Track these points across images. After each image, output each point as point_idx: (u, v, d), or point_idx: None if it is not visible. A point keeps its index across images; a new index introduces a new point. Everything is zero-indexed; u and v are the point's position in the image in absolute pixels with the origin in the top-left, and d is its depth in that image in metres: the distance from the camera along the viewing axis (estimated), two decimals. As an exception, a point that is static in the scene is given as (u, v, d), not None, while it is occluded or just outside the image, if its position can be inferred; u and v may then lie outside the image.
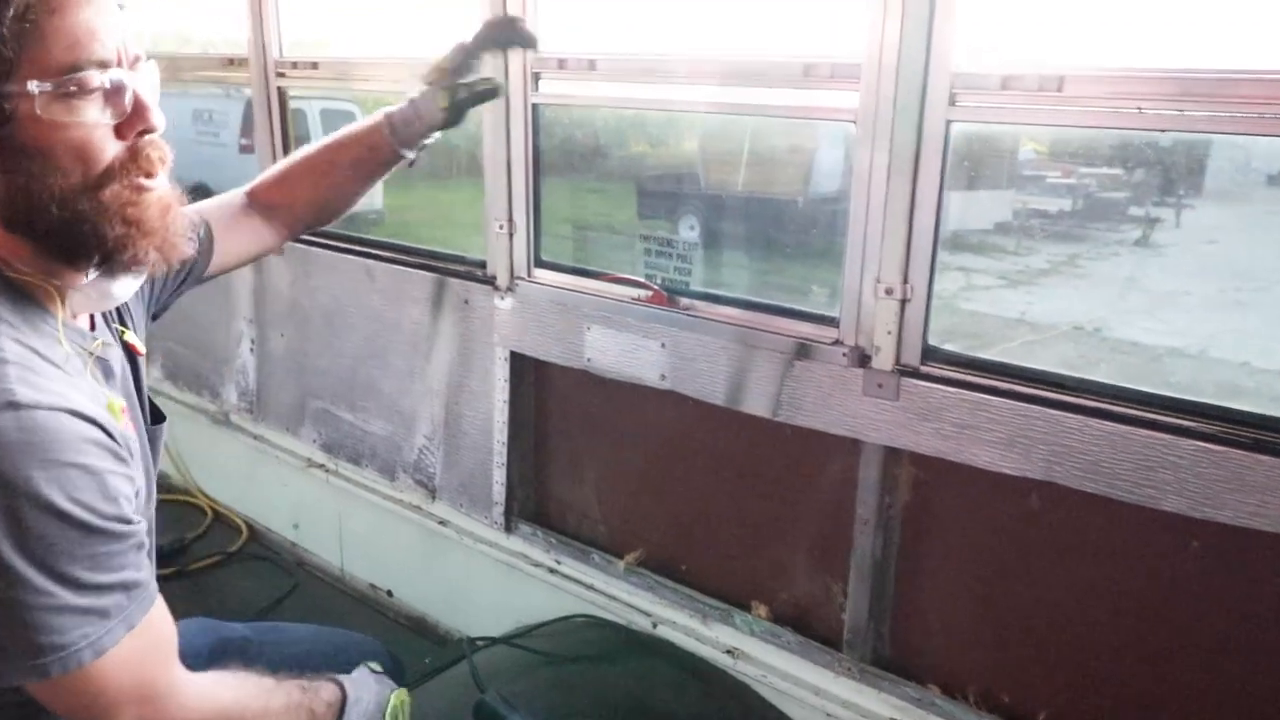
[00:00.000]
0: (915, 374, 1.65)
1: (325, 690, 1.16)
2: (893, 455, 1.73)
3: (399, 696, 1.29)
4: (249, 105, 2.79)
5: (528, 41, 1.51)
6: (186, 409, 3.20)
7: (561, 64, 2.02)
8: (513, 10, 1.99)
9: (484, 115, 2.13)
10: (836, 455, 1.81)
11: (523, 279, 2.17)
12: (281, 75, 2.62)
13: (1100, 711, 1.61)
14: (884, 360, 1.67)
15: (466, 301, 2.29)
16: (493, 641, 2.04)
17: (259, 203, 1.45)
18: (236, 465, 3.06)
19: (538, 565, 2.27)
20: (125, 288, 0.99)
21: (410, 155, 1.44)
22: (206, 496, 3.19)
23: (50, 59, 0.78)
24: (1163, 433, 1.43)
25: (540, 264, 2.18)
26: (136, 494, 0.92)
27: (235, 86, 4.35)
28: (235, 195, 1.45)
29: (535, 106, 2.07)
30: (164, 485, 3.31)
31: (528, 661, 2.02)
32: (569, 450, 2.29)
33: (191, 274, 1.33)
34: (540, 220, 2.17)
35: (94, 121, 0.82)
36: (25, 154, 0.80)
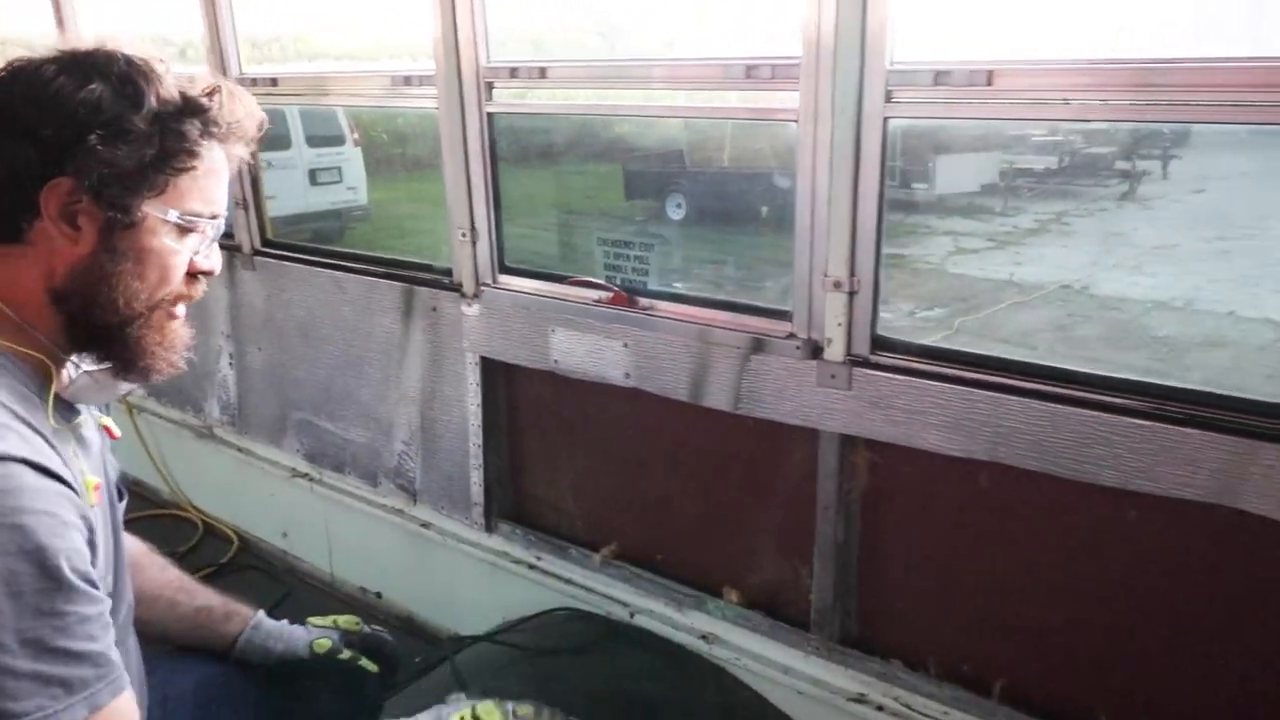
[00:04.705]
0: (866, 364, 1.71)
1: None
2: (848, 443, 1.78)
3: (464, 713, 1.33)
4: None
5: (391, 664, 1.53)
6: (171, 424, 3.24)
7: (513, 73, 2.06)
8: (461, 20, 2.03)
9: (441, 125, 2.17)
10: (797, 444, 1.86)
11: (488, 285, 2.22)
12: (242, 92, 2.64)
13: (1051, 675, 1.68)
14: (835, 352, 1.72)
15: (435, 309, 2.34)
16: (475, 640, 2.10)
17: None
18: (224, 477, 3.11)
19: (518, 562, 2.33)
20: (126, 387, 1.10)
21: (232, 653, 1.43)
22: (197, 509, 3.24)
23: (189, 200, 0.97)
24: (1098, 410, 1.49)
25: (505, 269, 2.22)
26: (102, 578, 0.93)
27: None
28: None
29: (490, 115, 2.11)
30: (155, 500, 3.37)
31: (511, 656, 2.09)
32: (543, 450, 2.35)
33: None
34: (502, 226, 2.21)
35: (187, 252, 1.00)
36: (127, 255, 0.95)
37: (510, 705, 1.51)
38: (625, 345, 2.00)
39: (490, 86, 2.09)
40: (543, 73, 2.02)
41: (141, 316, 0.98)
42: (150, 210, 0.94)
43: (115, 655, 0.91)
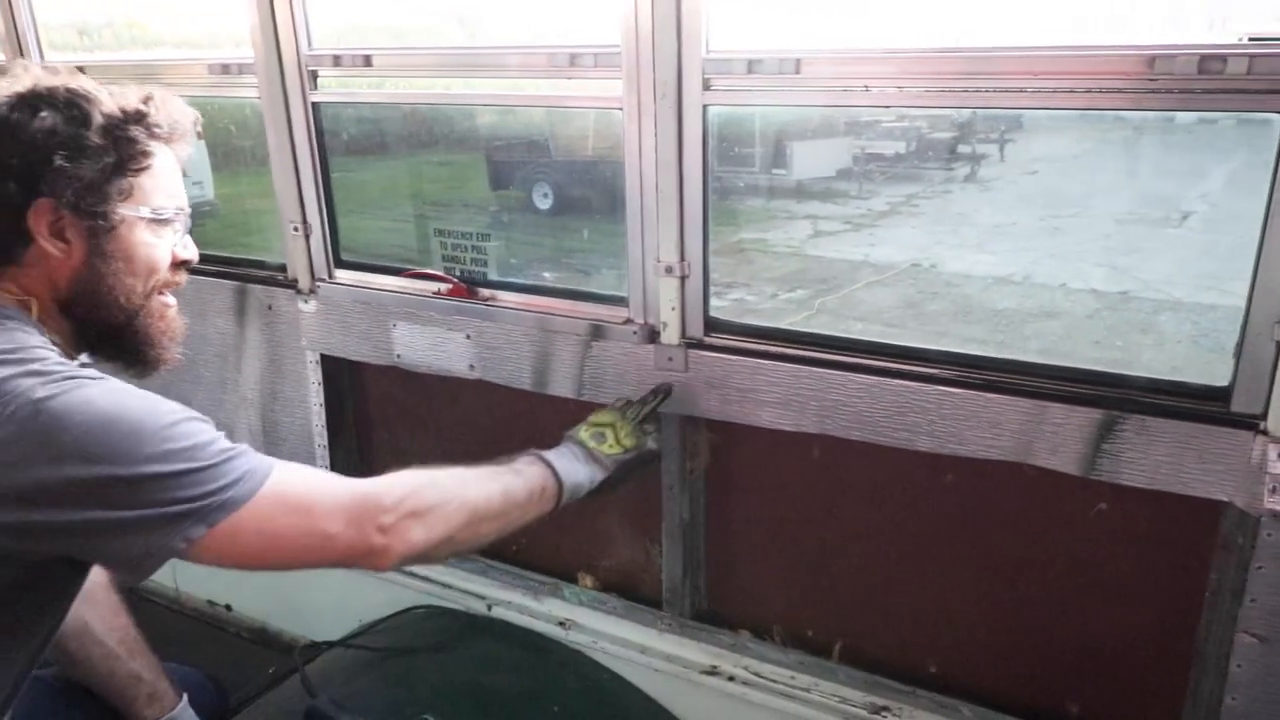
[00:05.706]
0: (700, 346, 1.75)
1: (522, 460, 1.35)
2: (689, 423, 1.83)
3: (587, 427, 1.49)
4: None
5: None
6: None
7: (336, 61, 1.99)
8: (280, 4, 1.95)
9: (265, 116, 2.08)
10: (640, 427, 1.89)
11: (324, 280, 2.14)
12: (45, 82, 2.45)
13: (885, 632, 1.78)
14: (671, 335, 1.76)
15: (270, 307, 2.24)
16: (329, 645, 2.05)
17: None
18: (51, 496, 2.90)
19: (372, 563, 2.28)
20: None
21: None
22: (22, 532, 3.01)
23: (154, 197, 1.12)
24: (911, 381, 1.57)
25: (341, 264, 2.15)
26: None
27: None
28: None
29: (316, 105, 2.03)
30: (-26, 525, 3.10)
31: (367, 659, 2.04)
32: (393, 447, 2.30)
33: None
34: (336, 219, 2.14)
35: (167, 244, 1.15)
36: (116, 256, 1.10)
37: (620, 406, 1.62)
38: (468, 337, 1.97)
39: (315, 75, 2.01)
40: (367, 60, 1.96)
41: (142, 307, 1.13)
42: (125, 212, 1.09)
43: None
